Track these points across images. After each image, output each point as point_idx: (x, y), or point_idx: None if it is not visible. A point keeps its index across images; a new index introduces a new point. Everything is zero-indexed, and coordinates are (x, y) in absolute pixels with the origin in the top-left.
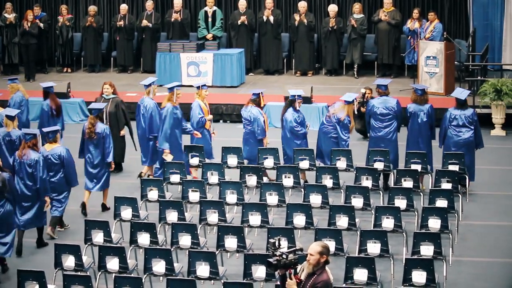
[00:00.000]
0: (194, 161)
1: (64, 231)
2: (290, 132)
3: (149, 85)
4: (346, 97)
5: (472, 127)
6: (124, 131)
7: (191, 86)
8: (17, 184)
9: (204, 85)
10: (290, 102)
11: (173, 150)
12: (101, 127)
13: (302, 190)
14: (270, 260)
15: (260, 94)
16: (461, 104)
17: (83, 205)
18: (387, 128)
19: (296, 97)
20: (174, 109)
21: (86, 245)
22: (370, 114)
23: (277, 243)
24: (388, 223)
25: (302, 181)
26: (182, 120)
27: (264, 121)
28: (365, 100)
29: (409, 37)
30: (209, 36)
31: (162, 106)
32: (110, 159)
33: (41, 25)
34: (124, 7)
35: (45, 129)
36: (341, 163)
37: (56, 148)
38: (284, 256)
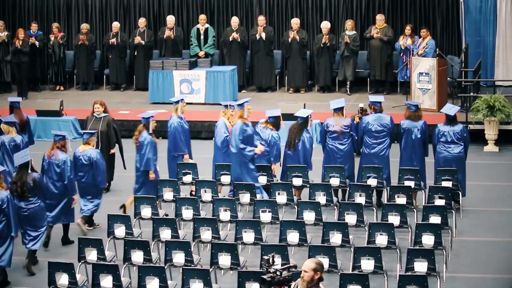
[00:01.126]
0: (187, 178)
1: (56, 249)
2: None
3: (177, 102)
4: (334, 105)
5: (462, 143)
6: (114, 150)
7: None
8: (46, 183)
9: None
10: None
11: (242, 167)
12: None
13: (296, 207)
14: (264, 277)
15: (280, 116)
16: (450, 120)
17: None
18: (380, 145)
19: (245, 104)
20: (244, 126)
21: (80, 263)
22: (364, 131)
23: (271, 260)
24: (381, 239)
25: (295, 198)
26: (253, 137)
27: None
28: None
29: (401, 53)
30: (201, 53)
31: (233, 122)
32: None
33: (37, 43)
34: (116, 25)
35: (83, 131)
36: (334, 180)
37: (88, 150)
38: (278, 273)
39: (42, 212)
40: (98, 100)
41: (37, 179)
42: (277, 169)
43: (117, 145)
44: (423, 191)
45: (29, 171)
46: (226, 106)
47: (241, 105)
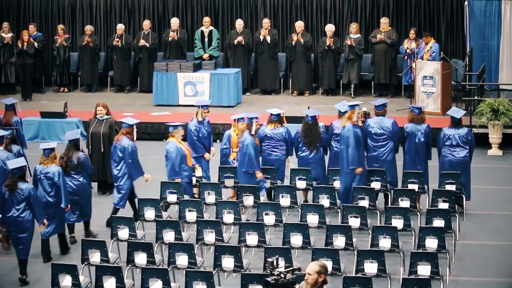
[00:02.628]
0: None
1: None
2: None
3: (199, 106)
4: (340, 108)
5: (467, 147)
6: None
7: (192, 106)
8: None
9: (242, 118)
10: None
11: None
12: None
13: (299, 210)
14: (268, 279)
15: (282, 113)
16: (455, 123)
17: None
18: (382, 148)
19: (254, 119)
20: (354, 128)
21: (83, 264)
22: (366, 133)
23: (275, 262)
24: (385, 243)
25: (300, 201)
26: (364, 138)
27: None
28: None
29: (405, 57)
30: (206, 56)
31: (342, 125)
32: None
33: (36, 44)
34: (120, 27)
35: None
36: (338, 183)
37: (122, 140)
38: (282, 275)
39: (84, 190)
40: (100, 103)
41: (82, 158)
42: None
43: None
44: (426, 194)
45: (77, 150)
46: (235, 119)
47: (352, 106)
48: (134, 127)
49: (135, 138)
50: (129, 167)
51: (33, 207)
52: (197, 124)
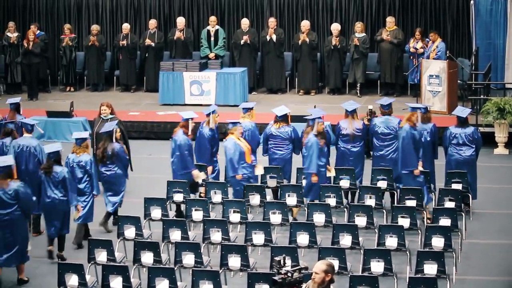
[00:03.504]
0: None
1: (67, 251)
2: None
3: (209, 114)
4: (348, 107)
5: (473, 145)
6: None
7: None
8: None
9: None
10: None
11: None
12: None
13: (306, 209)
14: (275, 278)
15: (288, 113)
16: (462, 122)
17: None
18: (388, 148)
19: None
20: (411, 130)
21: (90, 264)
22: (372, 133)
23: (282, 261)
24: (391, 241)
25: (306, 199)
26: (420, 140)
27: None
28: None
29: (411, 56)
30: (212, 55)
31: (401, 125)
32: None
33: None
34: (126, 26)
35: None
36: (345, 182)
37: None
38: (289, 274)
39: (119, 179)
40: (104, 102)
41: (116, 149)
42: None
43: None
44: (433, 193)
45: (111, 142)
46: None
47: (414, 109)
48: (190, 121)
49: (190, 133)
50: (179, 160)
51: (68, 190)
52: (210, 132)
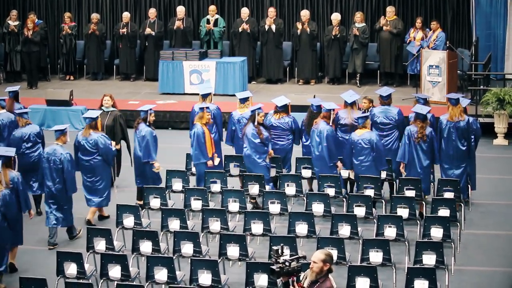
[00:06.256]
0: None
1: (66, 238)
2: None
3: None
4: (347, 98)
5: (472, 136)
6: (119, 145)
7: (197, 94)
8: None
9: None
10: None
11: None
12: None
13: (304, 198)
14: (273, 267)
15: (288, 103)
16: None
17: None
18: (387, 137)
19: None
20: (450, 124)
21: (88, 252)
22: (372, 123)
23: (280, 251)
24: (390, 232)
25: (305, 189)
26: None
27: None
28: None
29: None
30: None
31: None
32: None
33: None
34: (126, 15)
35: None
36: (344, 172)
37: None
38: (287, 263)
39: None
40: (108, 94)
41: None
42: None
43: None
44: (432, 183)
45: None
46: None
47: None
48: (332, 111)
49: (331, 123)
50: (326, 150)
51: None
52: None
